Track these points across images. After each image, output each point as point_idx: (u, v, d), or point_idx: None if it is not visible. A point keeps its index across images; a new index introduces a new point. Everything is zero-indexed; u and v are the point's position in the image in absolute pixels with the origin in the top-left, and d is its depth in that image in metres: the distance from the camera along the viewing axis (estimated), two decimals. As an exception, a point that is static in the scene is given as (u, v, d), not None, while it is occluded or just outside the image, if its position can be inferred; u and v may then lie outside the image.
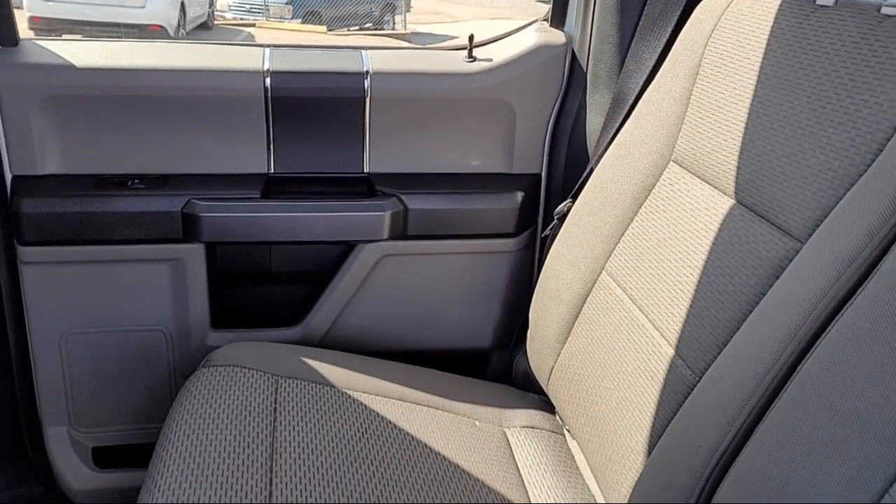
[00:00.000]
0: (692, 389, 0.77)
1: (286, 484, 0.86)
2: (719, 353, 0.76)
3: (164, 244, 1.15)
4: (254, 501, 0.82)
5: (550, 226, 1.18)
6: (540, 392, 1.17)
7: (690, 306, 0.84)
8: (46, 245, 1.12)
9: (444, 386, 1.15)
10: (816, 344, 0.64)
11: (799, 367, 0.65)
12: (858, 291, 0.63)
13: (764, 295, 0.74)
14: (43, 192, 1.10)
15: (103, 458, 1.25)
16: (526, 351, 1.17)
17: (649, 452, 0.81)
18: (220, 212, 1.14)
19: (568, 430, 1.12)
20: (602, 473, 0.92)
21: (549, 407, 1.17)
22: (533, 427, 1.11)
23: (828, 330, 0.64)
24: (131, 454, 1.24)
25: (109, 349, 1.20)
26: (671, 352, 0.84)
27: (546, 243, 1.18)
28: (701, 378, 0.77)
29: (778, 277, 0.73)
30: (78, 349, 1.19)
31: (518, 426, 1.11)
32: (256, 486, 0.84)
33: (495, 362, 1.38)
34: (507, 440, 1.08)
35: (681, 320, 0.84)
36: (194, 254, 1.17)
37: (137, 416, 1.24)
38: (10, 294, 1.14)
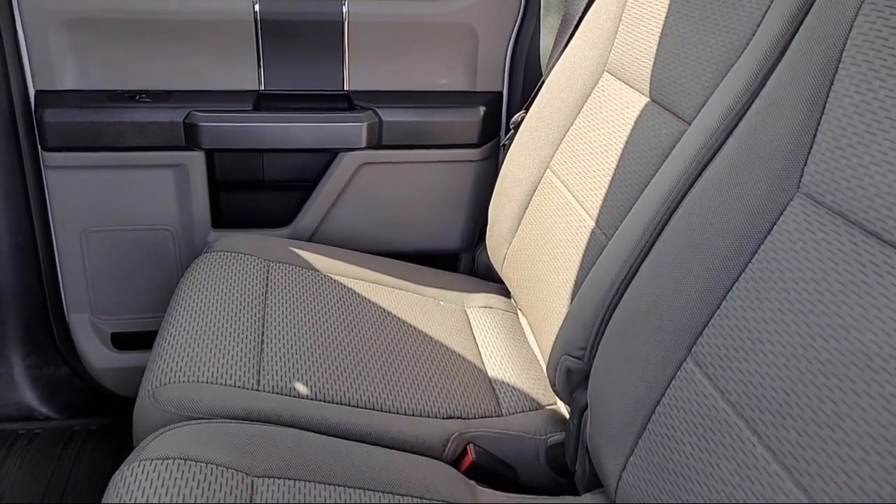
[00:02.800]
0: (603, 248, 0.94)
1: (275, 349, 1.02)
2: (624, 218, 0.93)
3: (168, 151, 1.31)
4: (246, 365, 0.98)
5: (508, 135, 1.34)
6: (499, 281, 1.35)
7: (609, 187, 1.01)
8: (67, 151, 1.28)
9: (415, 274, 1.33)
10: (686, 197, 0.81)
11: (672, 218, 0.82)
12: (718, 153, 0.79)
13: (659, 169, 0.90)
14: (62, 104, 1.26)
15: (121, 341, 1.44)
16: (486, 244, 1.34)
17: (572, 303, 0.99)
18: (217, 122, 1.30)
19: (520, 310, 1.30)
20: (539, 331, 1.10)
21: (505, 292, 1.34)
22: (490, 307, 1.29)
23: (694, 185, 0.81)
24: (146, 338, 1.42)
25: (123, 245, 1.38)
26: (592, 224, 1.01)
27: (504, 151, 1.35)
28: (610, 238, 0.94)
29: (669, 154, 0.90)
30: (96, 245, 1.37)
31: (477, 306, 1.29)
32: (249, 351, 1.00)
33: (463, 263, 1.55)
34: (467, 317, 1.26)
35: (601, 198, 1.01)
36: (195, 160, 1.33)
37: (149, 305, 1.42)
38: (37, 195, 1.31)
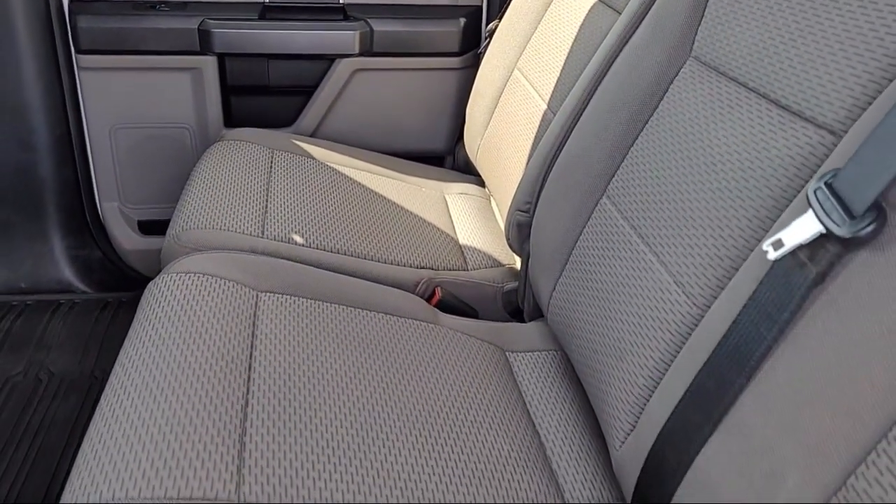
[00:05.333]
0: (549, 123, 1.12)
1: (276, 209, 1.22)
2: (567, 95, 1.10)
3: (185, 55, 1.49)
4: (252, 219, 1.18)
5: (484, 43, 1.51)
6: (476, 175, 1.53)
7: (559, 75, 1.18)
8: (97, 54, 1.46)
9: (401, 165, 1.52)
10: (609, 70, 0.99)
11: (598, 87, 0.99)
12: (635, 32, 0.96)
13: (594, 52, 1.08)
14: (93, 12, 1.44)
15: (146, 227, 1.64)
16: (463, 140, 1.52)
17: None
18: (228, 28, 1.47)
19: (490, 194, 1.48)
20: (501, 202, 1.29)
21: (481, 184, 1.53)
22: (466, 194, 1.48)
23: (616, 59, 0.98)
24: (167, 225, 1.62)
25: (147, 141, 1.57)
26: (545, 107, 1.19)
27: (481, 59, 1.52)
28: (555, 114, 1.12)
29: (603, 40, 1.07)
30: (124, 141, 1.56)
31: (455, 193, 1.48)
32: (255, 210, 1.20)
33: (446, 165, 1.73)
34: (445, 200, 1.45)
35: (553, 85, 1.19)
36: (209, 64, 1.51)
37: (169, 196, 1.61)
38: (71, 94, 1.50)
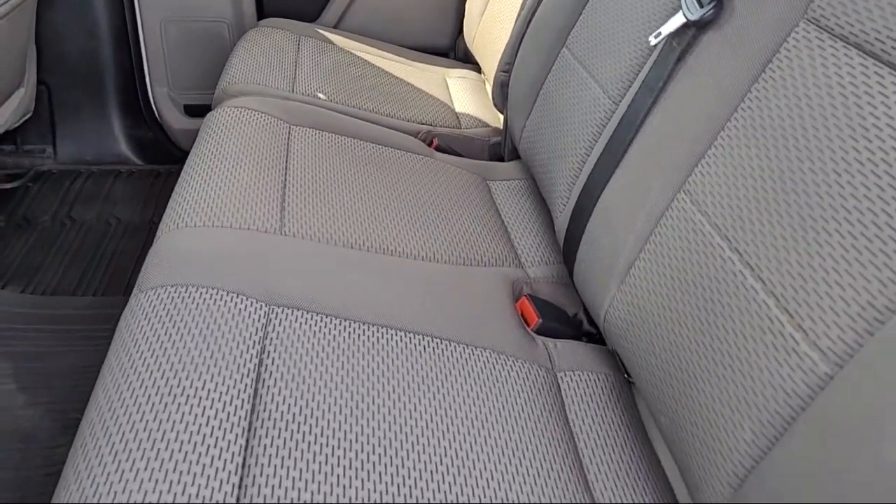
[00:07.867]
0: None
1: (303, 77, 1.47)
2: None
3: None
4: (283, 82, 1.44)
5: (483, -54, 1.73)
6: (475, 63, 1.77)
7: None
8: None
9: (409, 53, 1.76)
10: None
11: None
12: None
13: None
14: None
15: (191, 110, 1.91)
16: (463, 32, 1.76)
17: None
18: None
19: (484, 78, 1.73)
20: (490, 74, 1.53)
21: (479, 71, 1.77)
22: (464, 77, 1.72)
23: None
24: (209, 109, 1.89)
25: (191, 33, 1.82)
26: (526, -11, 1.42)
27: (480, -41, 1.74)
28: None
29: None
30: (172, 32, 1.81)
31: (455, 76, 1.72)
32: (284, 77, 1.46)
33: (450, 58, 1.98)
34: (446, 81, 1.69)
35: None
36: (245, -36, 1.76)
37: (210, 83, 1.87)
38: (127, -10, 1.75)
